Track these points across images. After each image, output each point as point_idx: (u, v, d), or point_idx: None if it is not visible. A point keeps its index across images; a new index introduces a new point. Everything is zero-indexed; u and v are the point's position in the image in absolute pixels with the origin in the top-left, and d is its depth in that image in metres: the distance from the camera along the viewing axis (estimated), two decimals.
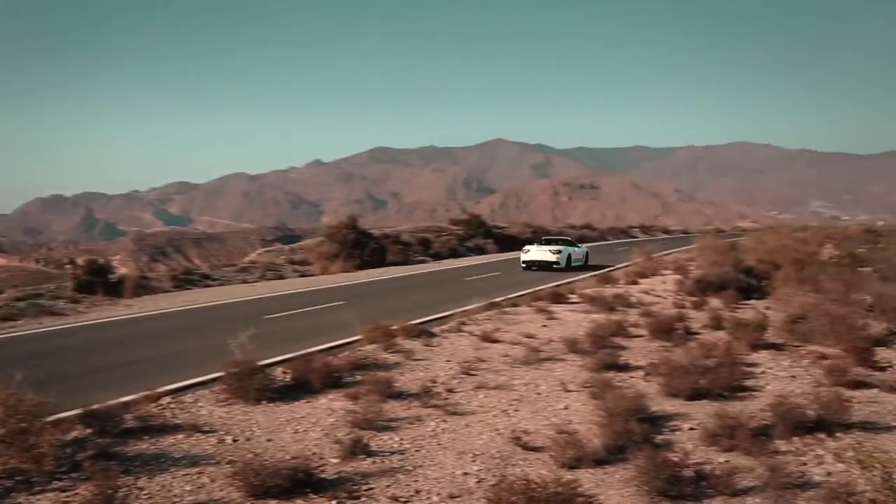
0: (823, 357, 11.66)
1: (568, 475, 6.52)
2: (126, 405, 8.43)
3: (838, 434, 7.88)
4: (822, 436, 7.82)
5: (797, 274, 17.79)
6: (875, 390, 9.88)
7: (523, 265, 31.80)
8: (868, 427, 8.22)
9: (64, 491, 6.31)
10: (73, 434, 7.62)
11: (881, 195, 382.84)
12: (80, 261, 24.24)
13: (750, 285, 20.31)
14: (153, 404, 8.89)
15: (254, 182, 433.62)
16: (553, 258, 31.23)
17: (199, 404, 9.13)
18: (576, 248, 34.18)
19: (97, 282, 22.58)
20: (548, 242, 34.15)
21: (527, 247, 33.44)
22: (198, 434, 7.95)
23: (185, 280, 26.67)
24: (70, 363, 12.15)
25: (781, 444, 7.59)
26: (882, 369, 11.15)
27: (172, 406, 8.98)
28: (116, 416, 7.87)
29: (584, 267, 32.82)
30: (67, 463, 6.81)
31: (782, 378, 10.59)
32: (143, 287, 23.83)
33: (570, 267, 31.45)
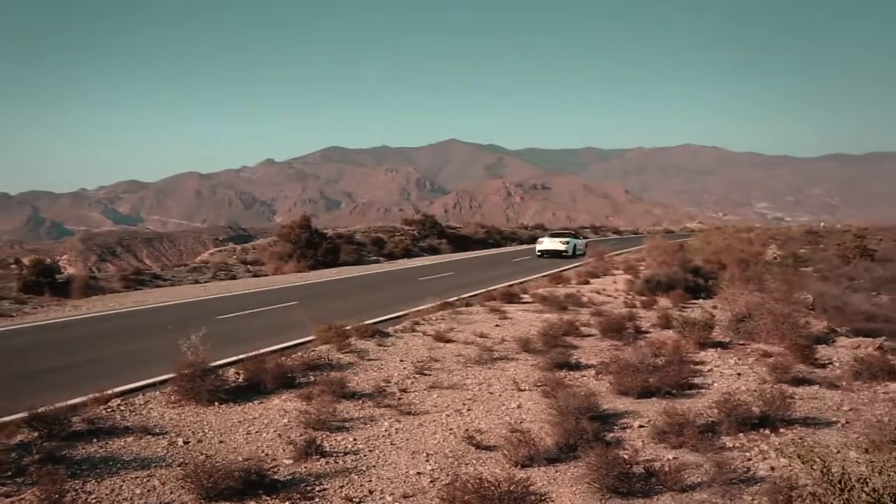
0: (767, 355, 11.98)
1: (521, 474, 6.61)
2: (74, 408, 8.28)
3: (782, 430, 8.12)
4: (766, 432, 8.04)
5: (742, 274, 18.24)
6: (816, 387, 10.19)
7: (538, 254, 38.51)
8: (809, 423, 8.48)
9: (8, 496, 6.17)
10: (19, 438, 7.46)
11: (821, 197, 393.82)
12: (25, 261, 23.59)
13: (697, 285, 20.78)
14: (102, 407, 8.73)
15: (206, 181, 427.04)
16: (563, 248, 38.20)
17: (150, 406, 9.00)
18: (578, 240, 40.97)
19: (44, 282, 22.05)
20: (557, 236, 42.06)
21: (540, 239, 41.15)
22: (148, 436, 7.85)
23: (136, 280, 26.17)
24: (15, 365, 11.84)
25: (728, 441, 7.79)
26: (823, 366, 11.50)
27: (122, 408, 8.83)
28: (64, 419, 7.71)
29: (583, 255, 38.34)
30: (12, 467, 6.67)
31: (728, 376, 10.84)
32: (92, 287, 23.32)
33: (574, 255, 37.93)
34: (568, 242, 38.64)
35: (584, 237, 48.15)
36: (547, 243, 39.10)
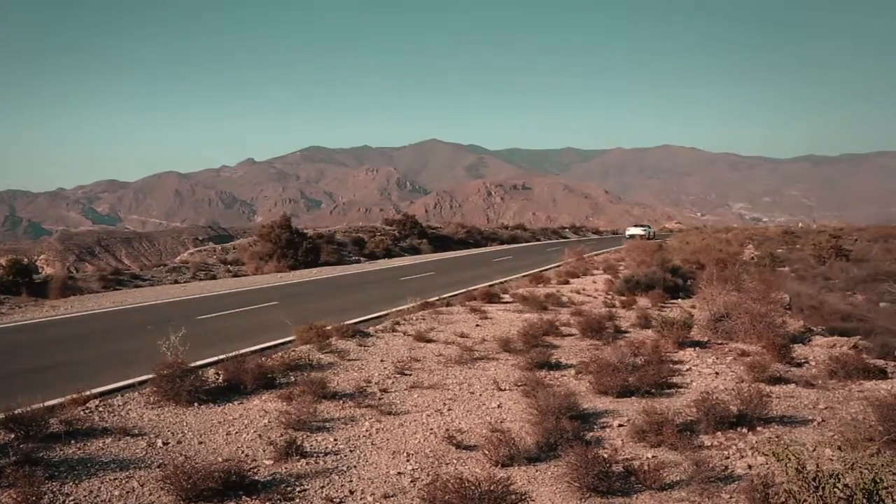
0: (745, 354, 12.10)
1: (501, 473, 6.64)
2: (51, 409, 8.20)
3: (759, 428, 8.21)
4: (743, 430, 8.12)
5: (720, 273, 18.38)
6: (792, 385, 10.30)
7: (628, 237, 58.18)
8: (786, 421, 8.58)
9: None
10: None
11: (798, 197, 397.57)
12: (2, 261, 23.25)
13: (676, 285, 20.93)
14: (80, 408, 8.66)
15: (185, 181, 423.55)
16: (643, 232, 61.56)
17: (129, 407, 8.94)
18: (651, 228, 69.46)
19: (21, 282, 21.79)
20: (639, 226, 69.38)
21: (629, 228, 68.35)
22: (127, 437, 7.80)
23: (115, 280, 25.90)
24: None
25: (706, 439, 7.87)
26: (799, 365, 11.64)
27: (100, 409, 8.76)
28: (41, 421, 7.64)
29: (655, 237, 60.02)
30: None
31: (707, 375, 10.94)
32: (70, 288, 23.07)
33: (651, 237, 57.84)
34: (646, 229, 64.92)
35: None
36: (633, 230, 63.62)
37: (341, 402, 9.35)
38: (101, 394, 9.45)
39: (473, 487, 5.79)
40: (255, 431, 8.11)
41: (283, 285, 25.42)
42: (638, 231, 62.46)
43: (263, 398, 9.44)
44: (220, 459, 7.00)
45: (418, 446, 7.72)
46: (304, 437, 7.84)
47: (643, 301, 18.58)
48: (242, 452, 7.41)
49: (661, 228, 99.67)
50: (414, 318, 15.89)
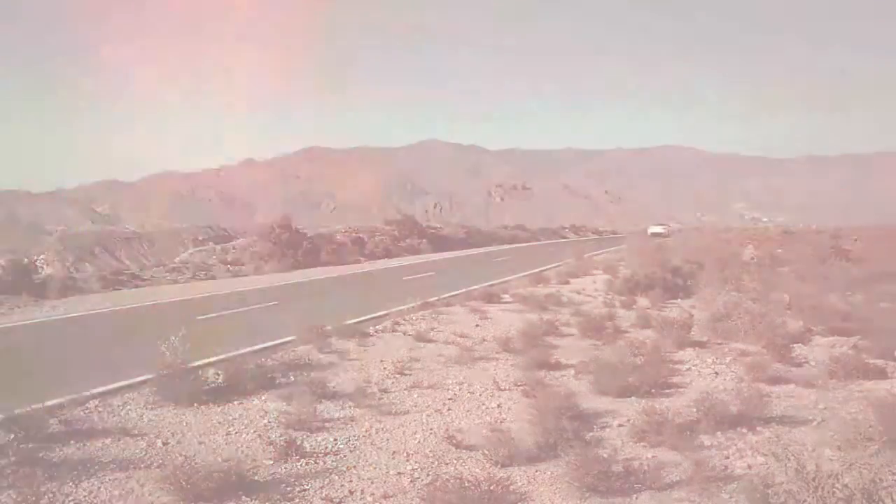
0: (745, 354, 12.09)
1: (501, 473, 6.64)
2: (51, 410, 8.20)
3: (758, 428, 8.20)
4: (743, 430, 8.12)
5: (720, 274, 18.40)
6: (792, 385, 10.29)
7: (650, 234, 63.41)
8: (785, 421, 8.56)
9: None
10: None
11: (798, 197, 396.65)
12: (2, 261, 23.26)
13: (676, 285, 20.89)
14: (80, 408, 8.67)
15: (185, 180, 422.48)
16: (663, 230, 68.69)
17: (129, 407, 8.94)
18: (671, 227, 77.33)
19: (21, 282, 21.79)
20: (660, 225, 76.44)
21: (651, 226, 75.07)
22: (127, 438, 7.80)
23: (114, 280, 25.89)
24: None
25: (706, 439, 7.85)
26: (799, 365, 11.63)
27: (100, 410, 8.77)
28: (41, 421, 7.65)
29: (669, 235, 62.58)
30: None
31: (706, 375, 10.94)
32: (70, 288, 23.08)
33: (669, 235, 62.33)
34: (666, 227, 73.82)
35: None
36: (654, 228, 71.21)
37: (341, 402, 9.35)
38: (101, 394, 9.44)
39: (473, 487, 5.79)
40: (254, 431, 8.11)
41: (283, 285, 25.41)
42: (658, 229, 70.30)
43: (263, 398, 9.44)
44: (219, 460, 6.99)
45: (418, 446, 7.72)
46: (304, 437, 7.84)
47: (643, 301, 18.56)
48: (242, 452, 7.41)
49: None
50: (414, 318, 15.89)
